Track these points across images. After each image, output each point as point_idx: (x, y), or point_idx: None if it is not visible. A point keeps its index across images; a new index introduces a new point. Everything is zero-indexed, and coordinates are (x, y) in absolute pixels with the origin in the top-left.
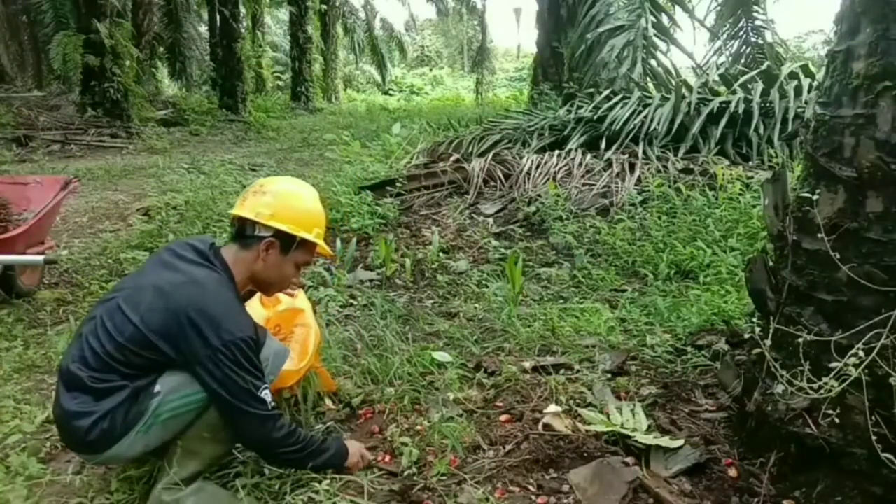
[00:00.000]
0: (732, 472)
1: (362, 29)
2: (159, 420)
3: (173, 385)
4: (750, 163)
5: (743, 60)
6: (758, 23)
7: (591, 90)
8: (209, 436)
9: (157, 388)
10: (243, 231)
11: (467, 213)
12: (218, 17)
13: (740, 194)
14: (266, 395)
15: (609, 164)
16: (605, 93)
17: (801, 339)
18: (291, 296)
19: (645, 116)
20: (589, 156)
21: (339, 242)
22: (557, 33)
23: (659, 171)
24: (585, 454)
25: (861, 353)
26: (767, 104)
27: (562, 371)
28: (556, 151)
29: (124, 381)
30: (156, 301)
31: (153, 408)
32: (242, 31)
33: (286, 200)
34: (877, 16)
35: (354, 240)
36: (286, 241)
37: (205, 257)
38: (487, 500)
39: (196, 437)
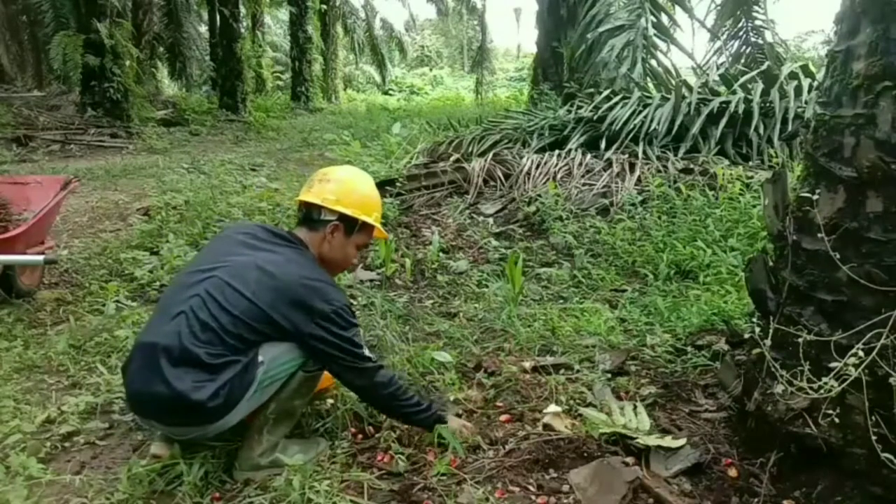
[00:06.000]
0: (732, 472)
1: (362, 29)
2: (262, 387)
3: (274, 354)
4: (750, 163)
5: (743, 60)
6: (758, 23)
7: (591, 90)
8: (298, 401)
9: (261, 358)
10: (310, 215)
11: (467, 213)
12: (218, 17)
13: (740, 194)
14: (367, 350)
15: (609, 164)
16: (605, 93)
17: (801, 339)
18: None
19: (645, 116)
20: (589, 156)
21: None
22: (557, 33)
23: (659, 171)
24: (585, 454)
25: (861, 353)
26: (767, 104)
27: (562, 371)
28: (556, 151)
29: (236, 356)
30: (263, 278)
31: (259, 376)
32: (242, 31)
33: (349, 187)
34: (877, 16)
35: None
36: (349, 225)
37: (286, 239)
38: (487, 500)
39: (287, 403)
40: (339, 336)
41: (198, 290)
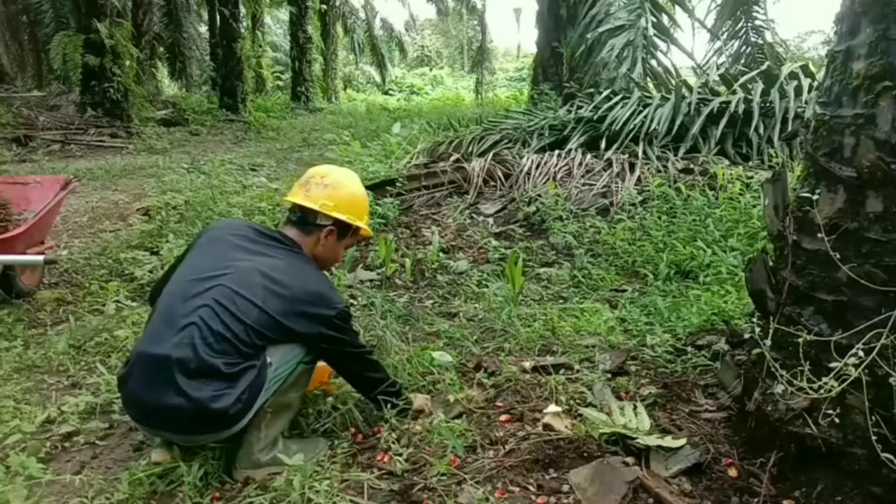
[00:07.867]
0: (732, 472)
1: (362, 29)
2: (270, 385)
3: (280, 354)
4: (750, 163)
5: (743, 60)
6: (758, 23)
7: (591, 90)
8: (294, 393)
9: (269, 359)
10: (306, 219)
11: (467, 213)
12: (218, 17)
13: (740, 194)
14: (362, 339)
15: (609, 164)
16: (605, 93)
17: (801, 339)
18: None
19: (645, 116)
20: (589, 156)
21: None
22: (557, 33)
23: (659, 171)
24: (585, 454)
25: (861, 353)
26: (767, 104)
27: (562, 371)
28: (556, 151)
29: (250, 362)
30: (270, 286)
31: (269, 377)
32: (242, 31)
33: (346, 193)
34: (877, 16)
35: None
36: (343, 229)
37: (279, 241)
38: (487, 500)
39: (283, 396)
40: (344, 334)
41: (205, 299)
